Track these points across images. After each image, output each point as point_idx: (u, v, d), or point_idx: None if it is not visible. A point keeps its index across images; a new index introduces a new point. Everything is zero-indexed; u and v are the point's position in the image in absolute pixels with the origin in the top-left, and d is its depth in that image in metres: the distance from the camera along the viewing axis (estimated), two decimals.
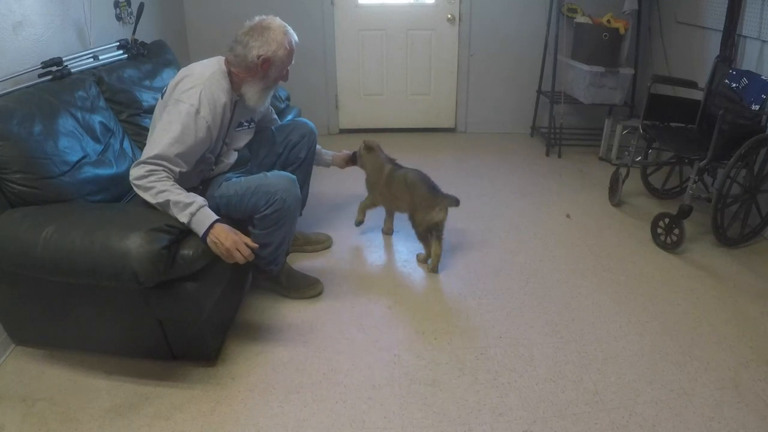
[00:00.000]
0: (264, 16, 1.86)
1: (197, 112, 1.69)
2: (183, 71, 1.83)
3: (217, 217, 1.63)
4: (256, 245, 1.68)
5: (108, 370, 1.77)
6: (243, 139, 2.05)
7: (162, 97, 1.83)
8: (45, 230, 1.50)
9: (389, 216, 2.62)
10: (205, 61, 1.88)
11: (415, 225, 2.30)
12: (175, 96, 1.72)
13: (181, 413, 1.61)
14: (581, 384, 1.71)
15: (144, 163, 1.62)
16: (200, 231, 1.60)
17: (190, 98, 1.70)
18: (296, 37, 1.90)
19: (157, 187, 1.59)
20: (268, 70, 1.84)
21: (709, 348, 1.87)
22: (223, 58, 1.86)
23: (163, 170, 1.63)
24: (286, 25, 1.87)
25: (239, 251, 1.61)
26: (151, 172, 1.61)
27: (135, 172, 1.62)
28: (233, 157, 2.01)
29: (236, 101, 1.89)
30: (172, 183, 1.63)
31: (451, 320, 2.02)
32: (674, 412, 1.59)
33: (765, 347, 1.86)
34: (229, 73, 1.84)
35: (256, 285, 2.17)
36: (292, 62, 1.91)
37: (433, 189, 2.25)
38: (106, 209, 1.73)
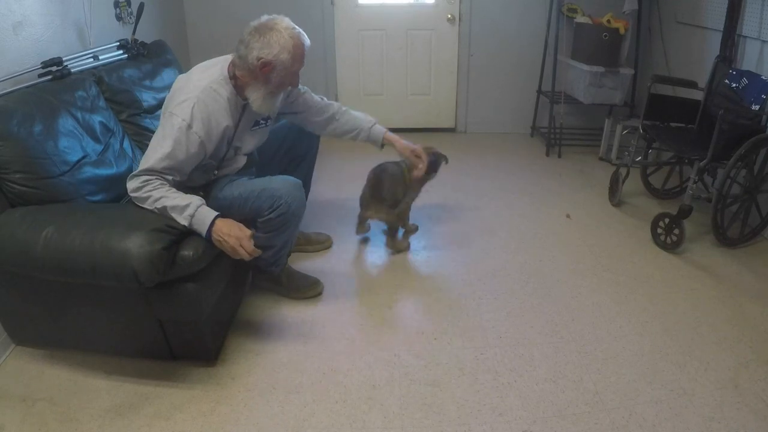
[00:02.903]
0: (272, 16, 1.73)
1: (189, 127, 1.66)
2: (181, 78, 1.76)
3: (216, 214, 1.63)
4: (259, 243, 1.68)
5: (108, 370, 1.77)
6: (255, 141, 1.99)
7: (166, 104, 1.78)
8: (45, 230, 1.50)
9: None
10: (209, 62, 1.82)
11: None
12: (170, 108, 1.70)
13: (181, 413, 1.61)
14: (581, 384, 1.71)
15: (137, 175, 1.65)
16: (203, 231, 1.61)
17: (182, 112, 1.66)
18: (308, 40, 1.77)
19: (153, 195, 1.62)
20: (269, 74, 1.73)
21: (709, 348, 1.87)
22: (229, 60, 1.78)
23: (157, 179, 1.65)
24: (295, 27, 1.74)
25: (243, 248, 1.62)
26: (145, 182, 1.64)
27: (130, 185, 1.66)
28: (241, 161, 1.96)
29: (245, 104, 1.82)
30: (168, 188, 1.64)
31: (451, 320, 2.02)
32: (674, 412, 1.59)
33: (765, 347, 1.86)
34: (234, 77, 1.77)
35: (256, 285, 2.16)
36: (303, 66, 1.80)
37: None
38: (107, 209, 1.74)
